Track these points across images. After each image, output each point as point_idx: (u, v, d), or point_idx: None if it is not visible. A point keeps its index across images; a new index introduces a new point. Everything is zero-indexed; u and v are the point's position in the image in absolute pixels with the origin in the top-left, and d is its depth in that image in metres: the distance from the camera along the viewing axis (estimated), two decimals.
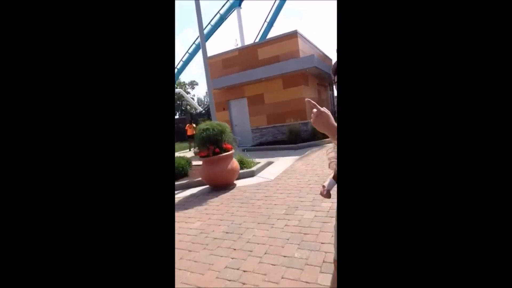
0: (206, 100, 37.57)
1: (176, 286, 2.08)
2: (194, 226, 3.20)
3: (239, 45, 15.60)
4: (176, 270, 2.31)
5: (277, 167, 5.73)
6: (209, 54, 7.46)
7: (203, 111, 21.04)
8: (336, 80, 1.07)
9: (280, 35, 9.55)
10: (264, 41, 10.38)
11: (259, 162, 5.82)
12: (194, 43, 20.60)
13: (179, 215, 3.65)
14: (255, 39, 18.84)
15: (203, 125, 4.71)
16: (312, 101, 0.91)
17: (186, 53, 21.01)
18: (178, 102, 33.46)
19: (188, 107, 32.62)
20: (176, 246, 2.77)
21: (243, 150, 6.43)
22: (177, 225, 3.33)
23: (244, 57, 10.21)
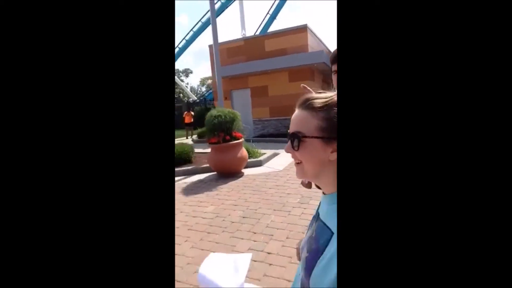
0: (199, 89, 37.09)
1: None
2: (208, 210, 3.21)
3: (244, 35, 15.37)
4: (198, 250, 2.33)
5: (284, 158, 5.76)
6: (208, 43, 7.32)
7: (197, 100, 20.77)
8: (334, 69, 1.00)
9: (289, 28, 9.49)
10: (272, 33, 10.29)
11: (265, 153, 5.85)
12: (192, 30, 20.12)
13: (190, 199, 3.66)
14: (255, 32, 18.61)
15: (215, 111, 4.68)
16: (307, 87, 0.86)
17: (183, 40, 20.56)
18: None
19: (181, 95, 32.19)
20: (193, 228, 2.78)
21: (248, 141, 6.42)
22: (190, 208, 3.34)
23: (250, 47, 10.12)
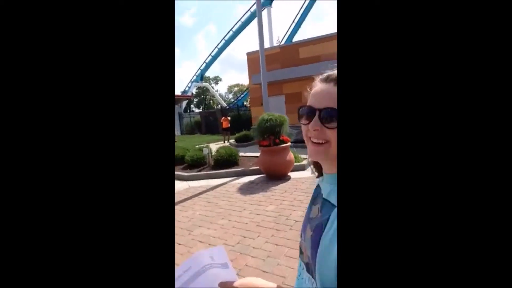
0: (227, 96, 38.21)
1: (279, 259, 2.25)
2: (270, 209, 3.37)
3: (280, 42, 15.70)
4: (273, 244, 2.49)
5: None
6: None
7: (227, 107, 21.38)
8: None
9: (324, 35, 9.63)
10: (306, 40, 10.47)
11: (305, 157, 5.95)
12: (223, 38, 20.97)
13: (248, 198, 3.85)
14: (282, 40, 18.92)
15: (266, 115, 4.88)
16: None
17: (215, 48, 21.39)
18: (202, 96, 34.27)
19: (211, 101, 33.31)
20: (261, 224, 2.95)
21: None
22: (251, 206, 3.52)
23: (285, 54, 10.35)
